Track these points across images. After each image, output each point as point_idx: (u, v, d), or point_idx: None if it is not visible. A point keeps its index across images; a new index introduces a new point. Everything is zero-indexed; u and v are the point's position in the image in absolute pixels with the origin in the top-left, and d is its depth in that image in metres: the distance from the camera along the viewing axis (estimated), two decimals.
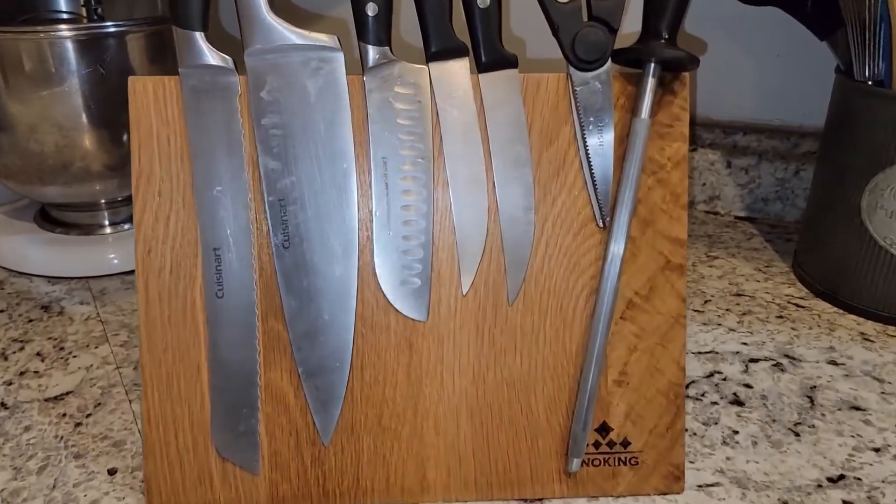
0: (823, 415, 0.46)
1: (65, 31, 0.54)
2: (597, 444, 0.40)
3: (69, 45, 0.53)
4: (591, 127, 0.38)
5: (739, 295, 0.60)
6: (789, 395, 0.48)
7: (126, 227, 0.64)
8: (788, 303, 0.59)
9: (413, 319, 0.38)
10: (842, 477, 0.41)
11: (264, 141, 0.37)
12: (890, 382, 0.50)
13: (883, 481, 0.41)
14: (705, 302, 0.59)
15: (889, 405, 0.47)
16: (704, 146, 0.74)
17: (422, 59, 0.38)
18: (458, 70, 0.38)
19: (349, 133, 0.38)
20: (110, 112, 0.57)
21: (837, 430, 0.45)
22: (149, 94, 0.37)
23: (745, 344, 0.54)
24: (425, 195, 0.38)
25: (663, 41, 0.37)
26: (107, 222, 0.64)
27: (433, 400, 0.39)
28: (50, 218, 0.65)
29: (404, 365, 0.39)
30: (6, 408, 0.46)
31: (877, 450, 0.44)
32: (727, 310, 0.58)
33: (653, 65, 0.37)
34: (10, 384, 0.48)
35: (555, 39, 0.38)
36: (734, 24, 0.69)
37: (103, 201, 0.64)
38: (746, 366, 0.51)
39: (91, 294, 0.58)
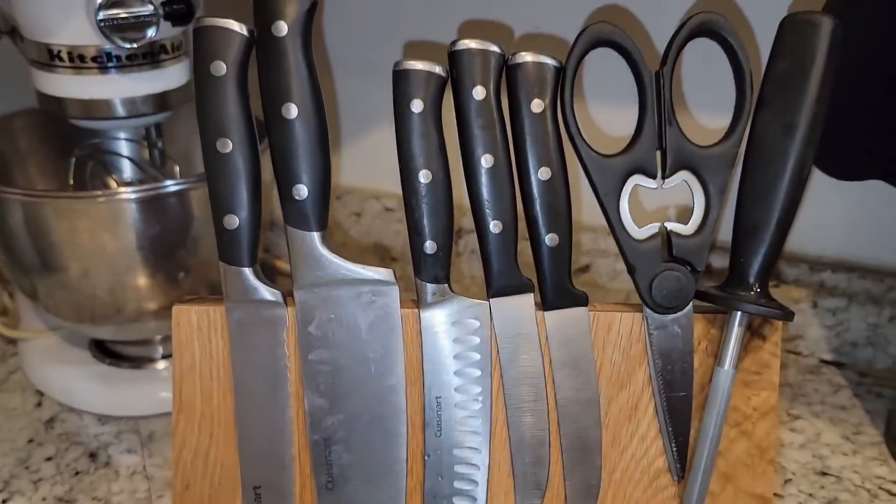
0: None
1: (125, 194, 0.53)
2: None
3: (130, 206, 0.52)
4: (668, 374, 0.35)
5: (824, 474, 0.55)
6: None
7: None
8: (880, 488, 0.54)
9: None
10: None
11: (310, 377, 0.35)
12: None
13: None
14: (786, 481, 0.54)
15: None
16: (788, 282, 0.69)
17: (481, 295, 0.35)
18: (523, 307, 0.35)
19: (402, 370, 0.35)
20: (166, 256, 0.56)
21: None
22: (192, 325, 0.35)
23: None
24: (483, 438, 0.35)
25: (753, 289, 0.33)
26: (160, 355, 0.63)
27: None
28: (103, 348, 0.64)
29: None
30: None
31: None
32: (810, 494, 0.53)
33: (740, 313, 0.34)
34: None
35: (629, 277, 0.34)
36: None
37: (158, 337, 0.63)
38: None
39: (139, 439, 0.57)
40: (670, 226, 0.34)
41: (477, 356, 0.35)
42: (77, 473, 0.53)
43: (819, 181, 0.67)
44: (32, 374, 0.63)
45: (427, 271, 0.34)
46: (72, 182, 0.60)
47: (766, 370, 0.35)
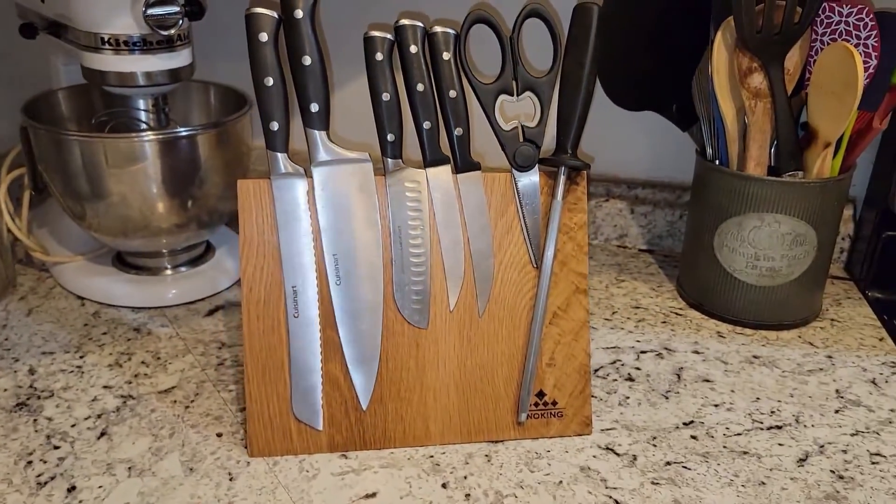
0: (685, 385, 0.70)
1: (150, 135, 0.75)
2: (536, 404, 0.62)
3: (152, 145, 0.74)
4: (526, 206, 0.62)
5: (637, 307, 0.84)
6: (664, 374, 0.72)
7: (183, 269, 0.85)
8: (671, 312, 0.84)
9: (418, 328, 0.61)
10: (691, 422, 0.65)
11: (325, 219, 0.59)
12: (731, 363, 0.74)
13: (717, 424, 0.65)
14: (613, 313, 0.83)
15: (728, 378, 0.72)
16: (614, 197, 0.98)
17: (420, 166, 0.61)
18: (444, 173, 0.61)
19: (377, 213, 0.60)
20: (179, 187, 0.78)
21: (692, 394, 0.69)
22: (250, 191, 0.59)
23: (638, 341, 0.77)
24: (425, 249, 0.61)
25: (568, 154, 0.61)
26: (167, 265, 0.85)
27: (433, 379, 0.61)
28: (125, 262, 0.85)
29: (413, 357, 0.61)
30: (133, 398, 0.66)
31: (716, 405, 0.68)
32: (627, 318, 0.82)
33: (563, 168, 0.61)
34: (130, 383, 0.68)
35: (503, 153, 0.61)
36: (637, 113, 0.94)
37: (166, 251, 0.84)
38: (638, 356, 0.75)
39: (167, 319, 0.79)
40: (523, 122, 0.61)
41: (419, 202, 0.61)
42: (129, 339, 0.75)
43: (633, 129, 0.98)
44: (73, 286, 0.84)
45: (391, 152, 0.60)
46: None
47: (579, 201, 0.62)
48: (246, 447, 0.61)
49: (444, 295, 0.61)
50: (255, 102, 0.59)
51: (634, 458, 0.61)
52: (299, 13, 0.57)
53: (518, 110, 0.61)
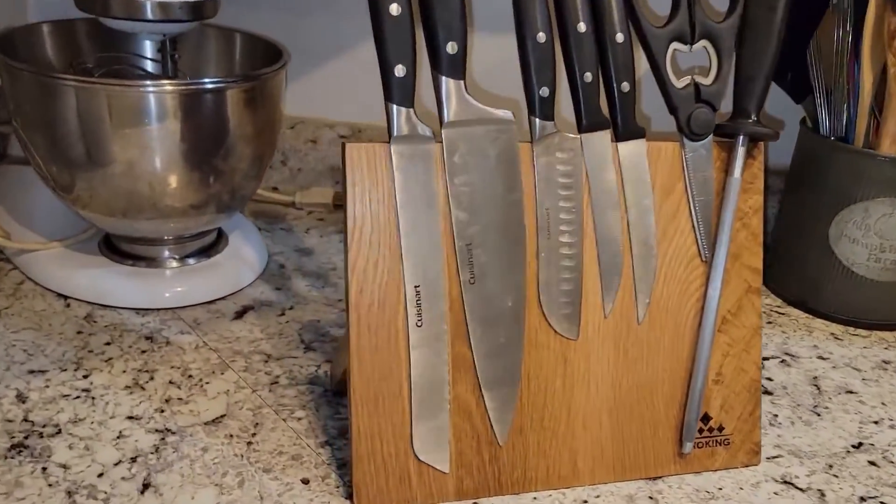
0: (830, 399, 0.60)
1: (169, 86, 0.58)
2: (700, 431, 0.51)
3: (172, 98, 0.57)
4: (697, 183, 0.49)
5: None
6: (801, 385, 0.62)
7: (191, 261, 0.68)
8: (770, 310, 0.74)
9: (567, 338, 0.48)
10: (860, 444, 0.55)
11: (456, 196, 0.45)
12: (864, 370, 0.64)
13: (890, 445, 0.55)
14: None
15: (871, 388, 0.62)
16: None
17: (572, 130, 0.47)
18: (603, 139, 0.48)
19: (521, 191, 0.46)
20: (202, 156, 0.61)
21: (844, 409, 0.59)
22: (363, 159, 0.44)
23: None
24: (578, 238, 0.47)
25: (751, 120, 0.49)
26: (171, 255, 0.68)
27: (582, 402, 0.48)
28: (118, 251, 0.67)
29: (560, 376, 0.48)
30: (173, 433, 0.50)
31: (875, 422, 0.58)
32: None
33: (742, 137, 0.49)
34: (163, 412, 0.52)
35: (672, 116, 0.49)
36: None
37: (172, 237, 0.67)
38: (762, 363, 0.64)
39: (186, 324, 0.62)
40: (697, 78, 0.49)
41: (573, 178, 0.47)
42: (143, 352, 0.58)
43: None
44: (50, 281, 0.66)
45: (542, 111, 0.46)
46: None
47: (755, 180, 0.51)
48: (347, 497, 0.46)
49: (597, 297, 0.48)
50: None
51: (822, 494, 0.50)
52: None
53: (690, 62, 0.49)
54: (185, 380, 0.55)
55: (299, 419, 0.52)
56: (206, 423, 0.51)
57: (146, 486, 0.45)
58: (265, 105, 0.64)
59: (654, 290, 0.49)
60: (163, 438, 0.49)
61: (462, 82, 0.45)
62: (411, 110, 0.44)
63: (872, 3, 0.63)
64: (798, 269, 0.74)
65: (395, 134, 0.44)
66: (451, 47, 0.44)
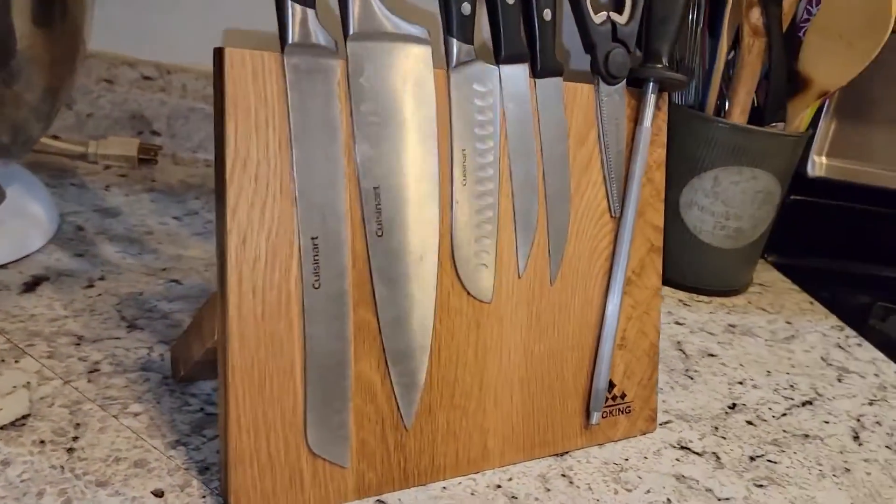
0: (697, 362, 0.60)
1: None
2: (604, 399, 0.47)
3: None
4: (610, 132, 0.45)
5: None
6: (669, 349, 0.61)
7: None
8: None
9: (480, 301, 0.41)
10: (734, 405, 0.55)
11: (362, 127, 0.37)
12: (717, 334, 0.66)
13: (758, 405, 0.56)
14: None
15: (728, 351, 0.63)
16: None
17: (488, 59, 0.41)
18: (522, 73, 0.42)
19: (434, 125, 0.39)
20: None
21: (712, 372, 0.59)
22: (247, 69, 0.34)
23: None
24: (495, 185, 0.41)
25: (663, 64, 0.46)
26: None
27: (494, 375, 0.42)
28: None
29: (473, 344, 0.41)
30: None
31: (740, 383, 0.59)
32: None
33: (652, 83, 0.46)
34: None
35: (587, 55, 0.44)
36: None
37: None
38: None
39: None
40: (613, 16, 0.44)
41: (490, 115, 0.41)
42: None
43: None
44: None
45: (461, 32, 0.39)
46: None
47: (660, 133, 0.48)
48: None
49: (511, 255, 0.42)
50: None
51: (717, 457, 0.49)
52: None
53: None
54: None
55: (136, 415, 0.40)
56: (1, 428, 0.38)
57: None
58: (65, 22, 0.50)
59: (566, 248, 0.44)
60: None
61: None
62: (312, 11, 0.35)
63: None
64: None
65: (289, 41, 0.34)
66: None
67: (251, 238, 0.34)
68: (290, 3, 0.34)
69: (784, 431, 0.53)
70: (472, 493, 0.41)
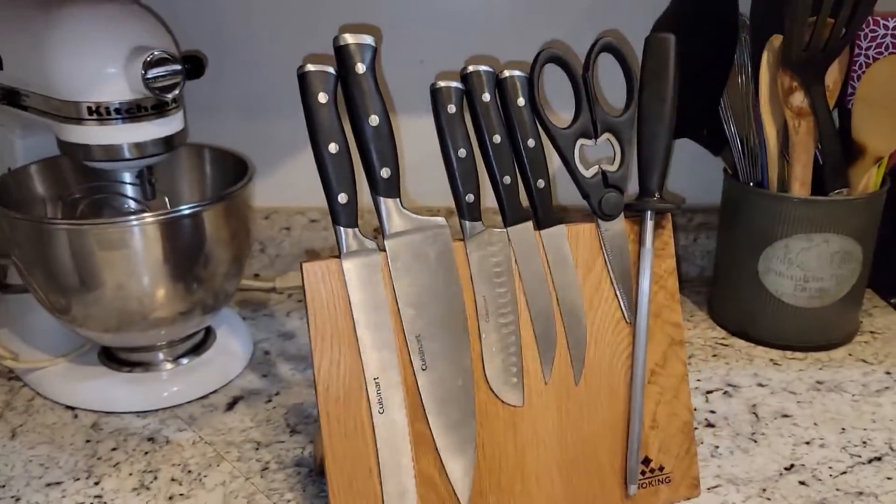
0: (767, 424, 0.67)
1: (149, 218, 0.65)
2: (643, 473, 0.57)
3: (156, 228, 0.64)
4: (613, 257, 0.56)
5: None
6: (741, 414, 0.68)
7: (184, 361, 0.74)
8: (716, 343, 0.80)
9: (514, 406, 0.54)
10: (792, 466, 0.62)
11: (403, 296, 0.52)
12: (799, 392, 0.71)
13: (818, 464, 0.62)
14: None
15: (804, 410, 0.69)
16: None
17: (496, 223, 0.54)
18: (527, 229, 0.55)
19: (459, 284, 0.53)
20: (183, 269, 0.68)
21: (779, 433, 0.66)
22: (318, 275, 0.51)
23: (699, 380, 0.74)
24: (514, 318, 0.54)
25: (655, 197, 0.56)
26: (165, 358, 0.74)
27: (534, 463, 0.55)
28: (117, 359, 0.74)
29: (511, 441, 0.54)
30: None
31: (807, 443, 0.64)
32: None
33: (649, 212, 0.56)
34: None
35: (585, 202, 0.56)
36: None
37: (163, 343, 0.74)
38: (706, 396, 0.71)
39: (183, 421, 0.69)
40: (604, 167, 0.56)
41: (503, 267, 0.54)
42: (146, 453, 0.65)
43: None
44: (58, 395, 0.72)
45: (469, 214, 0.53)
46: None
47: (666, 246, 0.58)
48: None
49: (537, 366, 0.55)
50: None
51: None
52: (361, 67, 0.49)
53: (597, 154, 0.56)
54: (185, 475, 0.62)
55: (288, 501, 0.59)
56: None
57: None
58: (237, 214, 0.71)
59: (586, 354, 0.56)
60: None
61: (398, 199, 0.52)
62: (356, 229, 0.51)
63: (764, 62, 0.71)
64: (735, 301, 0.80)
65: (344, 251, 0.51)
66: (385, 172, 0.51)
67: (332, 385, 0.51)
68: (339, 228, 0.50)
69: (837, 490, 0.59)
70: None
